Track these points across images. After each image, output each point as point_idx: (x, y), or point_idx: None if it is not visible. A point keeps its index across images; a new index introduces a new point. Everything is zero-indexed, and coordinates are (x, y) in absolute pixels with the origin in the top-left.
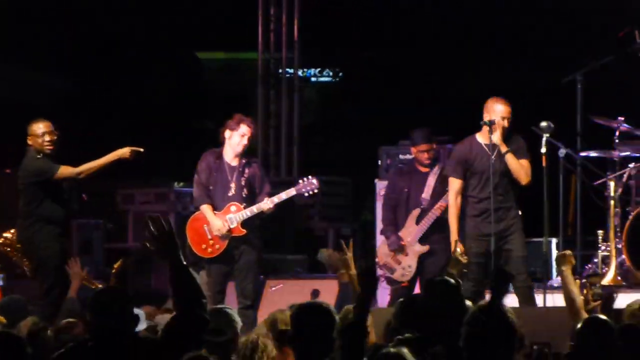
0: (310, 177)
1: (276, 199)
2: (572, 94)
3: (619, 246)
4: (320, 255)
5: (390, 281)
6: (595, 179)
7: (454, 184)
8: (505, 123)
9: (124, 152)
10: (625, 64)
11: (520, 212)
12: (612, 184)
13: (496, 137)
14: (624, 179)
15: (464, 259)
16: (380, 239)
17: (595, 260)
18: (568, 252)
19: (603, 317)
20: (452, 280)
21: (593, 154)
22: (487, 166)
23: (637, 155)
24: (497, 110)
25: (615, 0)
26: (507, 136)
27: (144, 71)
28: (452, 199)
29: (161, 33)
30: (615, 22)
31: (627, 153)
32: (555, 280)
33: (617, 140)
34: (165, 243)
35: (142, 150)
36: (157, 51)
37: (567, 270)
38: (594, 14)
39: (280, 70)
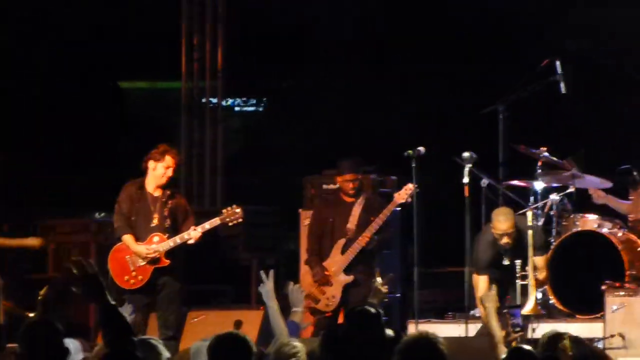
0: (234, 206)
1: (200, 229)
2: (494, 124)
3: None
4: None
5: (314, 311)
6: (517, 209)
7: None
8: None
9: (34, 243)
10: (547, 94)
11: None
12: (530, 214)
13: None
14: (546, 209)
15: (384, 289)
16: (304, 269)
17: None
18: (493, 292)
19: (527, 347)
20: (373, 310)
21: (515, 183)
22: None
23: (559, 185)
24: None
25: (536, 30)
26: None
27: (65, 100)
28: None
29: (83, 62)
30: (537, 52)
31: (549, 183)
32: (478, 310)
33: (539, 170)
34: (91, 286)
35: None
36: (79, 80)
37: (490, 307)
38: (517, 44)
39: (203, 100)
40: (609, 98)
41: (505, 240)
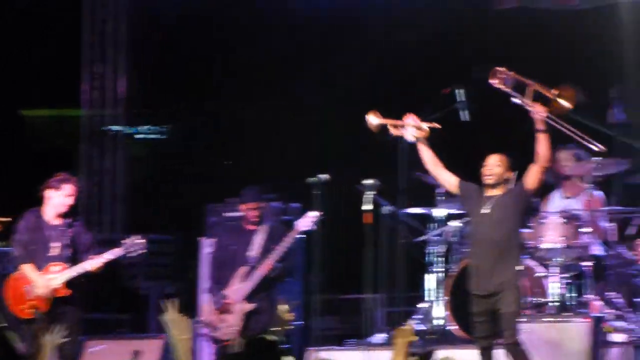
0: (137, 237)
1: (102, 258)
2: (396, 151)
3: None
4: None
5: (215, 340)
6: (418, 236)
7: None
8: None
9: None
10: (449, 121)
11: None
12: (432, 240)
13: None
14: (446, 236)
15: (289, 317)
16: (205, 298)
17: (418, 316)
18: (409, 327)
19: None
20: (270, 338)
21: (416, 211)
22: None
23: (459, 212)
24: None
25: (437, 60)
26: None
27: None
28: None
29: None
30: (439, 81)
31: (449, 210)
32: (378, 337)
33: (439, 198)
34: None
35: None
36: None
37: (401, 342)
38: (420, 73)
39: (104, 127)
40: (513, 125)
41: None
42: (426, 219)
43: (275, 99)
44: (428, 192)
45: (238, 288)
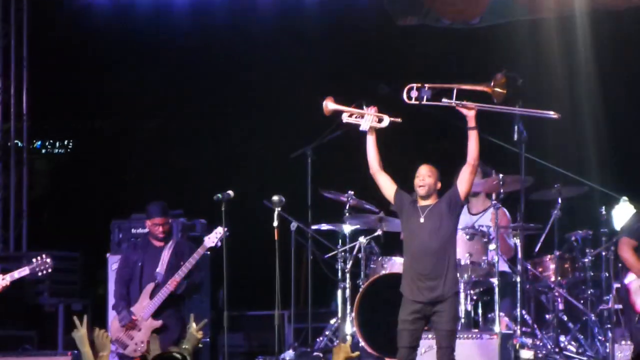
0: (44, 255)
1: (9, 277)
2: (303, 168)
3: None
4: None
5: (122, 357)
6: (326, 252)
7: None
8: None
9: None
10: (353, 138)
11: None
12: (340, 256)
13: None
14: (354, 252)
15: (199, 335)
16: (112, 315)
17: (327, 332)
18: (347, 343)
19: None
20: (179, 355)
21: (324, 227)
22: None
23: (366, 228)
24: None
25: (344, 79)
26: None
27: None
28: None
29: None
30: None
31: (357, 226)
32: (287, 354)
33: (347, 214)
34: None
35: None
36: None
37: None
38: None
39: (9, 142)
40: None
41: None
42: (334, 235)
43: (181, 113)
44: (336, 208)
45: (145, 305)
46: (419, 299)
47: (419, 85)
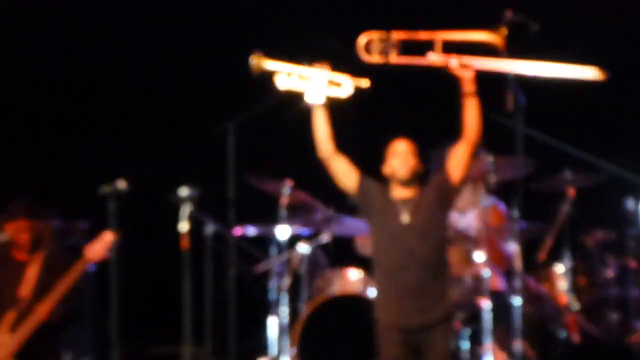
0: None
1: None
2: (222, 150)
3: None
4: None
5: None
6: (256, 266)
7: None
8: None
9: None
10: (293, 110)
11: None
12: (275, 271)
13: None
14: (293, 265)
15: None
16: None
17: None
18: None
19: None
20: None
21: (252, 230)
22: None
23: (309, 233)
24: None
25: (278, 34)
26: None
27: None
28: None
29: None
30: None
31: (297, 229)
32: None
33: (283, 212)
34: None
35: None
36: None
37: None
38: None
39: None
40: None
41: None
42: (266, 241)
43: (55, 82)
44: (268, 205)
45: (5, 341)
46: (405, 325)
47: (383, 34)
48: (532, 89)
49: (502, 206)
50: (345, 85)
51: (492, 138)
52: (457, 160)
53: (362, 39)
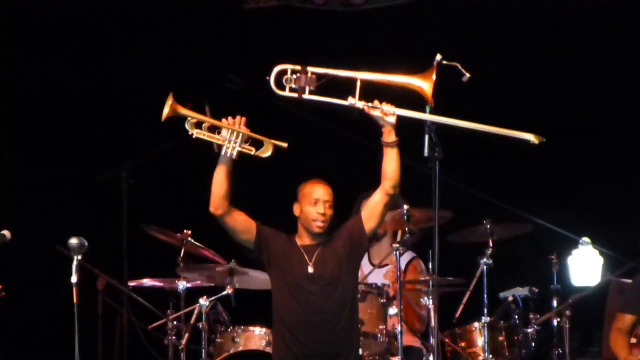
0: None
1: None
2: (116, 196)
3: None
4: None
5: None
6: (150, 321)
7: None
8: None
9: None
10: (191, 153)
11: None
12: (171, 326)
13: None
14: (192, 320)
15: None
16: None
17: None
18: None
19: None
20: None
21: (148, 283)
22: None
23: (209, 285)
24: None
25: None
26: None
27: None
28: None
29: None
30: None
31: (197, 282)
32: None
33: (181, 264)
34: None
35: None
36: None
37: None
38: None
39: None
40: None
41: None
42: (163, 295)
43: None
44: (166, 256)
45: None
46: None
47: (298, 68)
48: (448, 133)
49: (419, 262)
50: (265, 148)
51: (410, 186)
52: (372, 210)
53: (275, 70)
